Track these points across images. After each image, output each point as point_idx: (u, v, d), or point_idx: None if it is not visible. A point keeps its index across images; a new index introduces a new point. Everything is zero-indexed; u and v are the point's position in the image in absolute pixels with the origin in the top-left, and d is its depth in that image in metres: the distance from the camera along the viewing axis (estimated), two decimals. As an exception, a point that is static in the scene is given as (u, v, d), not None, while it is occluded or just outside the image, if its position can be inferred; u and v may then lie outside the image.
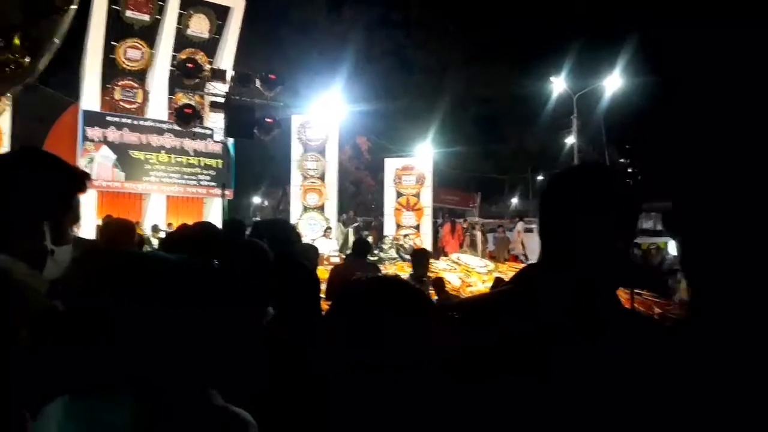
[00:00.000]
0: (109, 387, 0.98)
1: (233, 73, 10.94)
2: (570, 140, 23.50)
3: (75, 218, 1.46)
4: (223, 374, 1.12)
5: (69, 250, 1.45)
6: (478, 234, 17.53)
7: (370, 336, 1.01)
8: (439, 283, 7.55)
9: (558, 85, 22.79)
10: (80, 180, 1.45)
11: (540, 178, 29.48)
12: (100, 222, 12.21)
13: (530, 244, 16.46)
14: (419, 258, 5.77)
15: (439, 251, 16.60)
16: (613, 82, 21.61)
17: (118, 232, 2.83)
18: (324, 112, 16.79)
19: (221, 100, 10.19)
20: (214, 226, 3.16)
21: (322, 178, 16.53)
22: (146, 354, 0.99)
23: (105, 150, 14.66)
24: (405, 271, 12.06)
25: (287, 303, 2.06)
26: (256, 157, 20.73)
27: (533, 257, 15.22)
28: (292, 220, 15.82)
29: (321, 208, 16.44)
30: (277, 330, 1.92)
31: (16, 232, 1.33)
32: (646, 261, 12.91)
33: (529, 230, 17.34)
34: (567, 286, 1.07)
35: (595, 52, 22.98)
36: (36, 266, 1.35)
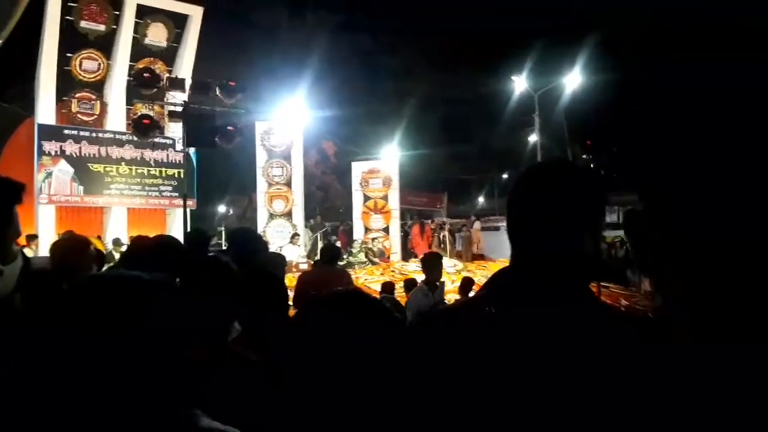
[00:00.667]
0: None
1: (191, 81, 10.75)
2: (533, 138, 23.80)
3: (16, 233, 1.39)
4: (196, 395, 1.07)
5: (18, 265, 1.38)
6: (447, 234, 17.72)
7: (331, 349, 1.00)
8: (410, 284, 7.57)
9: (519, 84, 23.05)
10: (17, 191, 1.37)
11: (505, 176, 29.84)
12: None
13: (490, 242, 16.79)
14: (432, 263, 5.50)
15: (408, 253, 16.65)
16: (573, 80, 21.95)
17: (70, 252, 2.71)
18: (288, 118, 16.67)
19: (177, 108, 9.99)
20: (175, 239, 3.08)
21: (288, 184, 16.41)
22: (125, 381, 0.93)
23: (63, 164, 14.26)
24: (374, 275, 12.07)
25: (255, 318, 2.02)
26: (219, 166, 20.48)
27: (493, 255, 15.52)
28: (259, 228, 15.66)
29: (288, 215, 16.31)
30: (242, 348, 1.87)
31: None
32: (610, 254, 13.17)
33: (487, 228, 17.71)
34: (540, 287, 1.05)
35: (554, 50, 23.36)
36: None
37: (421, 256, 14.49)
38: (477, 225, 17.90)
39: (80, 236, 3.10)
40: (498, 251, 15.38)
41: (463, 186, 30.83)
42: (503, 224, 1.30)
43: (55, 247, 2.77)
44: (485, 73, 25.06)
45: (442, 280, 5.68)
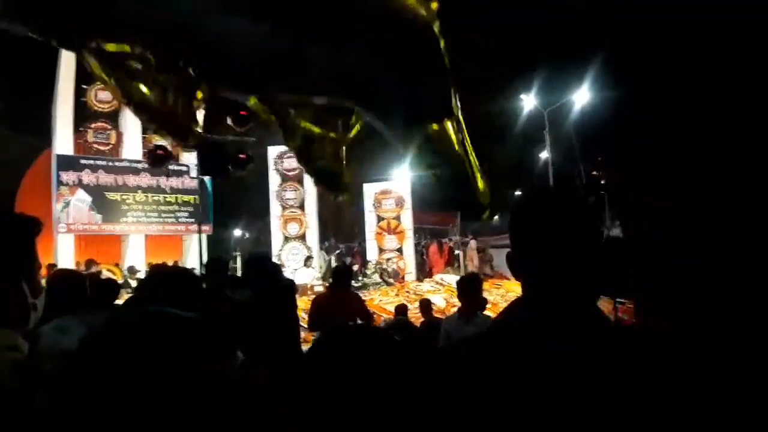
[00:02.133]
0: None
1: (204, 111, 10.96)
2: (544, 155, 23.83)
3: (39, 265, 1.48)
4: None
5: (43, 298, 1.46)
6: (473, 253, 17.53)
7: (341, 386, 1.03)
8: (425, 304, 7.60)
9: (528, 102, 23.15)
10: (37, 226, 1.46)
11: (517, 192, 29.74)
12: (82, 266, 12.07)
13: (504, 261, 16.61)
14: (471, 286, 4.51)
15: (425, 273, 16.67)
16: (581, 96, 22.00)
17: (68, 288, 2.76)
18: (300, 142, 16.85)
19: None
20: (190, 272, 3.17)
21: (301, 207, 16.56)
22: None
23: (80, 193, 14.54)
24: (389, 296, 12.10)
25: (260, 346, 2.08)
26: (234, 190, 20.68)
27: (508, 273, 15.34)
28: (274, 251, 15.79)
29: (302, 237, 16.44)
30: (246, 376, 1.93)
31: (1, 297, 1.34)
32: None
33: (501, 246, 17.57)
34: (551, 317, 1.04)
35: (562, 67, 23.43)
36: (22, 325, 1.37)
37: (434, 275, 14.50)
38: (472, 244, 17.79)
39: (72, 271, 3.20)
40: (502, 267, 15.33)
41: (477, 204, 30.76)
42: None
43: (50, 284, 2.80)
44: (494, 91, 25.17)
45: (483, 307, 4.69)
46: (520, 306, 1.13)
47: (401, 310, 7.39)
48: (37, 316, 1.41)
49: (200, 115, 11.73)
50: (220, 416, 0.94)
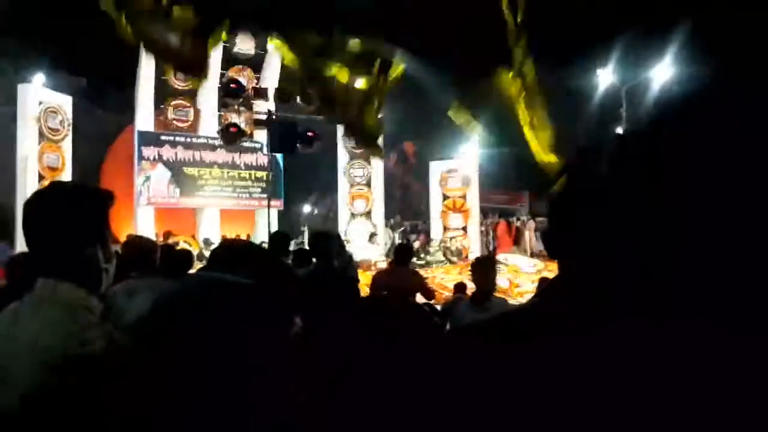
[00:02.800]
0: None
1: (275, 90, 11.31)
2: (619, 132, 23.01)
3: (111, 233, 1.64)
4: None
5: (114, 264, 1.62)
6: (530, 232, 17.35)
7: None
8: (460, 287, 7.51)
9: (605, 77, 22.34)
10: (112, 198, 1.57)
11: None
12: (160, 237, 12.79)
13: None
14: (481, 270, 4.12)
15: (491, 253, 16.59)
16: (662, 72, 21.02)
17: (138, 254, 3.01)
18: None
19: (262, 117, 10.59)
20: (255, 244, 3.40)
21: (368, 184, 16.79)
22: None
23: (160, 168, 15.28)
24: (451, 274, 12.15)
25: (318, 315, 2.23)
26: (305, 167, 21.15)
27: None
28: (341, 227, 16.13)
29: (368, 214, 16.69)
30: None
31: (79, 261, 1.47)
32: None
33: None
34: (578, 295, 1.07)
35: (643, 42, 22.38)
36: (96, 288, 1.54)
37: (498, 255, 14.40)
38: (530, 224, 17.41)
39: (147, 239, 3.48)
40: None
41: (546, 183, 30.11)
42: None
43: (125, 248, 3.07)
44: (568, 66, 24.37)
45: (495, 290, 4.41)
46: (554, 287, 1.16)
47: (460, 287, 7.41)
48: (109, 280, 1.57)
49: (271, 93, 12.00)
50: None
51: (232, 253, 2.84)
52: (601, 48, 23.20)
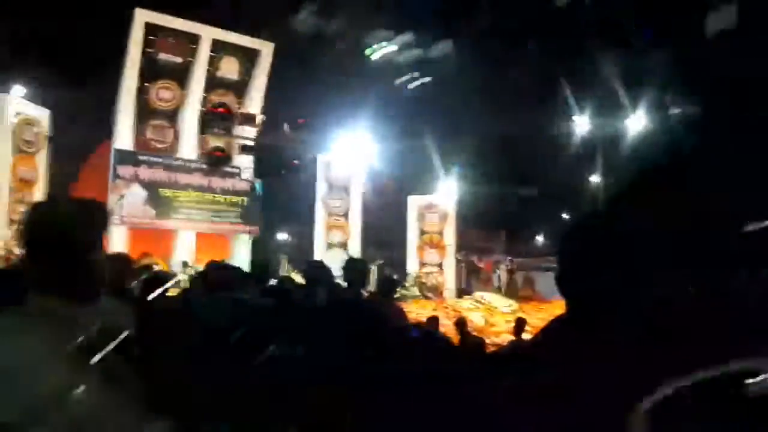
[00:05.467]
0: None
1: (263, 117, 11.33)
2: (595, 179, 23.44)
3: (104, 250, 1.61)
4: None
5: (105, 277, 1.60)
6: (504, 273, 17.45)
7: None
8: (461, 323, 7.53)
9: (581, 124, 22.84)
10: (107, 214, 1.61)
11: (565, 216, 29.30)
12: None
13: (547, 284, 16.34)
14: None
15: (465, 290, 16.56)
16: (636, 121, 21.59)
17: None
18: (349, 152, 17.05)
19: (249, 142, 10.58)
20: (238, 269, 3.32)
21: (345, 215, 16.71)
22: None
23: (136, 188, 15.02)
24: (426, 309, 12.06)
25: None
26: (279, 194, 21.03)
27: (550, 296, 15.12)
28: (316, 257, 15.94)
29: (344, 245, 16.57)
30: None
31: (74, 274, 1.44)
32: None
33: (545, 269, 17.29)
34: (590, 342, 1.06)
35: (617, 92, 23.05)
36: (88, 300, 1.47)
37: (474, 293, 14.38)
38: (506, 264, 17.63)
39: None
40: (556, 293, 15.04)
41: (522, 224, 30.41)
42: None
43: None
44: (547, 112, 24.94)
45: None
46: (560, 323, 1.16)
47: (432, 322, 7.33)
48: (100, 293, 1.54)
49: (259, 119, 11.89)
50: None
51: (225, 275, 2.74)
52: (578, 95, 23.79)
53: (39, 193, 13.18)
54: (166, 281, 4.95)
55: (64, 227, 1.46)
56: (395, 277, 10.47)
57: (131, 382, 1.41)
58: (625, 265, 1.11)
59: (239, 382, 1.24)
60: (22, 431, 1.21)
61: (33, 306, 1.40)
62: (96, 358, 1.37)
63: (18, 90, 13.94)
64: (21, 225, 1.50)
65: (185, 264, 13.00)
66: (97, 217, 1.54)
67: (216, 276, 3.55)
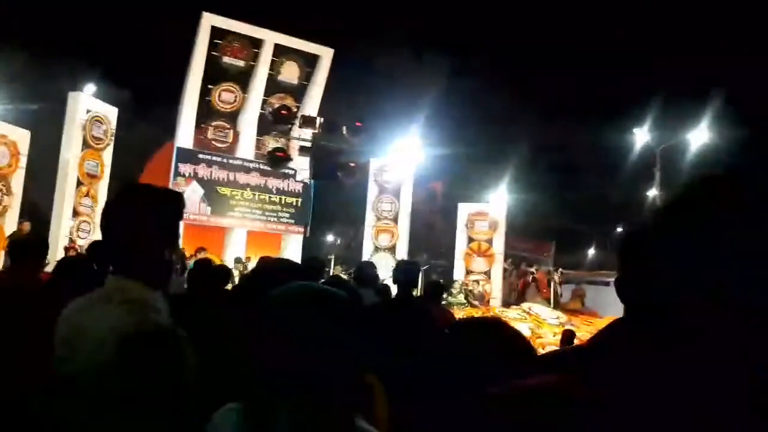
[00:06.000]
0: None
1: (322, 120, 11.61)
2: (652, 193, 22.86)
3: (178, 239, 1.71)
4: None
5: (180, 265, 1.70)
6: (554, 284, 17.14)
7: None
8: (569, 335, 7.27)
9: (641, 136, 22.35)
10: (183, 204, 1.66)
11: (619, 230, 28.59)
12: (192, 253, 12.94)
13: (598, 298, 16.01)
14: None
15: (512, 299, 16.42)
16: (698, 136, 20.97)
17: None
18: (401, 156, 17.22)
19: (307, 144, 10.88)
20: (298, 264, 3.46)
21: (395, 219, 16.85)
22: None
23: (194, 185, 15.56)
24: (473, 315, 12.02)
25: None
26: (330, 197, 21.37)
27: (601, 311, 14.75)
28: (364, 259, 16.14)
29: (392, 249, 16.70)
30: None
31: (151, 261, 1.52)
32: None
33: (595, 283, 16.90)
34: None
35: (680, 104, 22.47)
36: (163, 286, 1.59)
37: (522, 304, 14.26)
38: (556, 276, 17.27)
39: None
40: (605, 307, 14.75)
41: (573, 236, 29.90)
42: (612, 279, 1.36)
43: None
44: (604, 123, 24.52)
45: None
46: (618, 326, 1.21)
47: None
48: (177, 279, 1.65)
49: (318, 122, 12.14)
50: None
51: (281, 271, 2.89)
52: (637, 108, 23.28)
53: (104, 187, 13.81)
54: (229, 275, 5.19)
55: (147, 215, 1.53)
56: (441, 281, 10.56)
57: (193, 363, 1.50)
58: (689, 268, 1.10)
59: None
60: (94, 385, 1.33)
61: (111, 288, 1.49)
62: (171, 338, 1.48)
63: (90, 88, 14.68)
64: (103, 210, 1.57)
65: (238, 260, 13.40)
66: (175, 206, 1.61)
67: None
